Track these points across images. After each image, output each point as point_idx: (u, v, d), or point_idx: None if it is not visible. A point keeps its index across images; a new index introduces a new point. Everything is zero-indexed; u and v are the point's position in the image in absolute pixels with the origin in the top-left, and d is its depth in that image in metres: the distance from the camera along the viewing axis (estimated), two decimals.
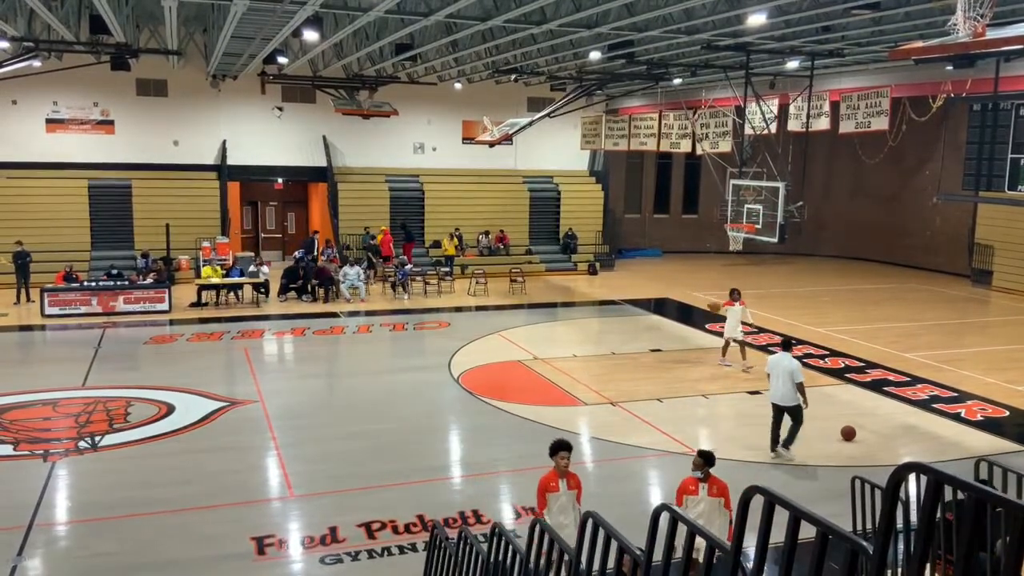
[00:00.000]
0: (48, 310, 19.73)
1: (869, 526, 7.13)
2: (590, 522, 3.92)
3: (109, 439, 11.60)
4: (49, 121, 25.63)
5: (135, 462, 10.89)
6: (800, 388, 10.80)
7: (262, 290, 22.16)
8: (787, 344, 11.47)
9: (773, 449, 11.14)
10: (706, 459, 7.41)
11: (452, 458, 11.69)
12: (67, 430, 12.01)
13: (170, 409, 12.97)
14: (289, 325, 19.74)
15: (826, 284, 26.81)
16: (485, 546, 5.57)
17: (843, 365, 16.22)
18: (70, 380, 14.56)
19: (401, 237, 26.62)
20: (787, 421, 11.01)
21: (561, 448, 7.27)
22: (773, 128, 21.12)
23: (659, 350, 17.59)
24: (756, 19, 14.34)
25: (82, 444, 11.39)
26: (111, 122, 26.18)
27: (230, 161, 27.03)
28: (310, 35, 16.17)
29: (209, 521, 9.10)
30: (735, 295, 15.91)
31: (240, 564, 8.16)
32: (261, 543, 8.51)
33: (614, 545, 3.64)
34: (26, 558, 8.17)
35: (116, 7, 15.36)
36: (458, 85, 26.89)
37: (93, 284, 20.83)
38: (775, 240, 18.19)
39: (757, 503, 2.75)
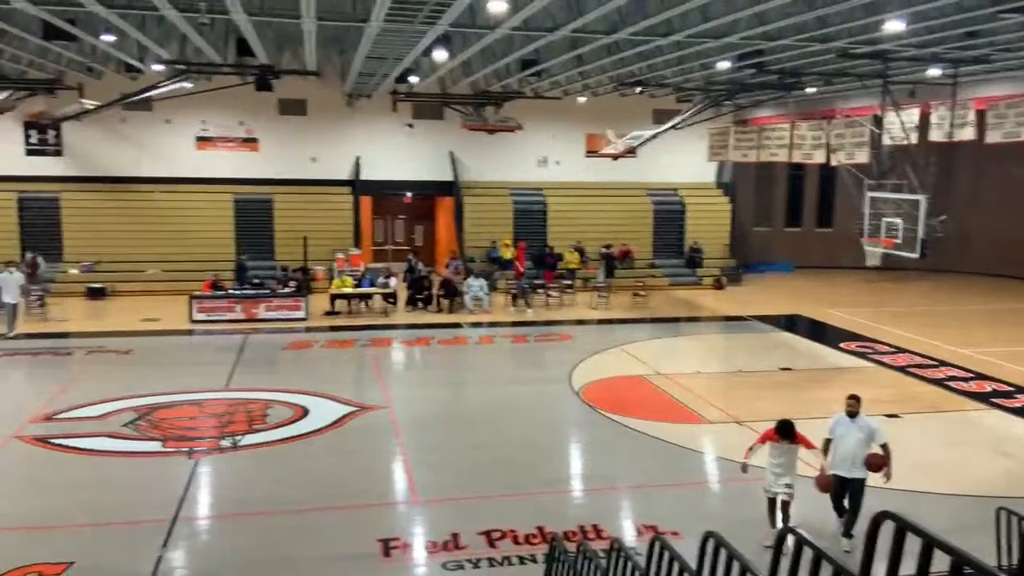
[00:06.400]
0: (196, 316, 21.06)
1: (1015, 561, 6.69)
2: (711, 542, 3.87)
3: (249, 439, 12.24)
4: (199, 139, 27.41)
5: (271, 462, 11.46)
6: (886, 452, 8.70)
7: (391, 300, 22.92)
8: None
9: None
10: (783, 431, 8.72)
11: (572, 471, 11.70)
12: (211, 429, 12.75)
13: (305, 412, 13.57)
14: (415, 335, 20.26)
15: (971, 303, 25.21)
16: (604, 562, 5.56)
17: (990, 389, 15.22)
18: (214, 382, 15.44)
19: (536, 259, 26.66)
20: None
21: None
22: (913, 138, 20.13)
23: (789, 369, 17.02)
24: (894, 26, 13.74)
25: (224, 443, 12.06)
26: (255, 140, 27.74)
27: (363, 176, 28.12)
28: (439, 54, 16.63)
29: (338, 521, 9.45)
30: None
31: (367, 564, 8.44)
32: (387, 545, 8.78)
33: (736, 566, 3.58)
34: (170, 550, 8.70)
35: (260, 31, 16.29)
36: (582, 99, 26.97)
37: (237, 292, 22.09)
38: (916, 255, 17.36)
39: (887, 530, 2.66)
